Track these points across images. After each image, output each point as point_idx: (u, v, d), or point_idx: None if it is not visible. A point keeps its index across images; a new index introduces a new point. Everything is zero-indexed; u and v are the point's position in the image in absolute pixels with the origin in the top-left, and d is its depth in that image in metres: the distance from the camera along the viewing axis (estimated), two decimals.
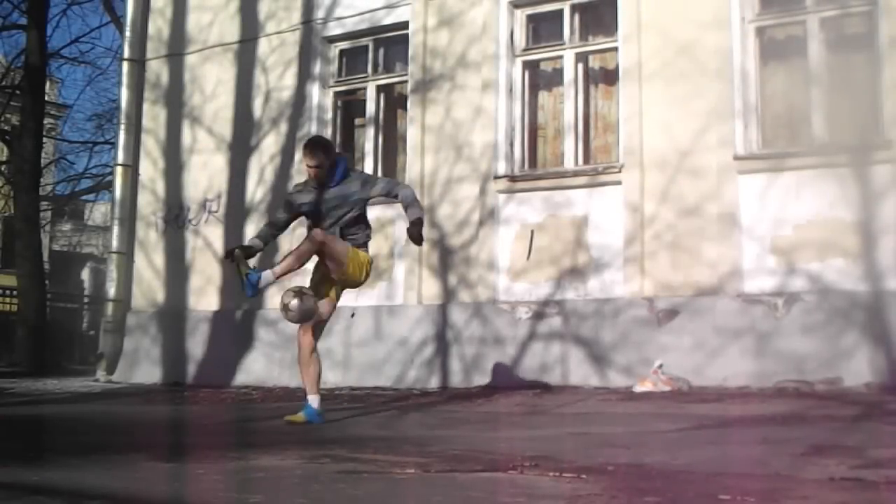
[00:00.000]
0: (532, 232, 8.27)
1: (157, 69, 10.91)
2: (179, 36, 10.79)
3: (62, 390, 9.84)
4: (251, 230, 9.89)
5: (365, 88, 9.67)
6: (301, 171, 9.57)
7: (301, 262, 5.74)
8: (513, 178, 8.49)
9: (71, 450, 4.31)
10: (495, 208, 8.52)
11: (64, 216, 31.58)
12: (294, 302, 5.59)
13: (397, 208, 8.93)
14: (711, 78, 7.62)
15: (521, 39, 8.75)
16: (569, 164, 8.38)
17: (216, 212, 10.20)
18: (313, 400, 5.76)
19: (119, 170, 10.81)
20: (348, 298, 6.85)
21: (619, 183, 7.95)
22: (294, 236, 7.60)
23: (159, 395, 8.91)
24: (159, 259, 10.56)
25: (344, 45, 9.83)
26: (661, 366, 7.15)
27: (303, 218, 6.18)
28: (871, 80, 7.20)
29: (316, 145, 6.00)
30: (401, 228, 8.84)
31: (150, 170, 10.78)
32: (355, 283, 5.98)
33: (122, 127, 10.87)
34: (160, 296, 10.48)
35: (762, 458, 3.73)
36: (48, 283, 19.85)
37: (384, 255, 8.86)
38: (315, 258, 5.88)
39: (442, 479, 3.30)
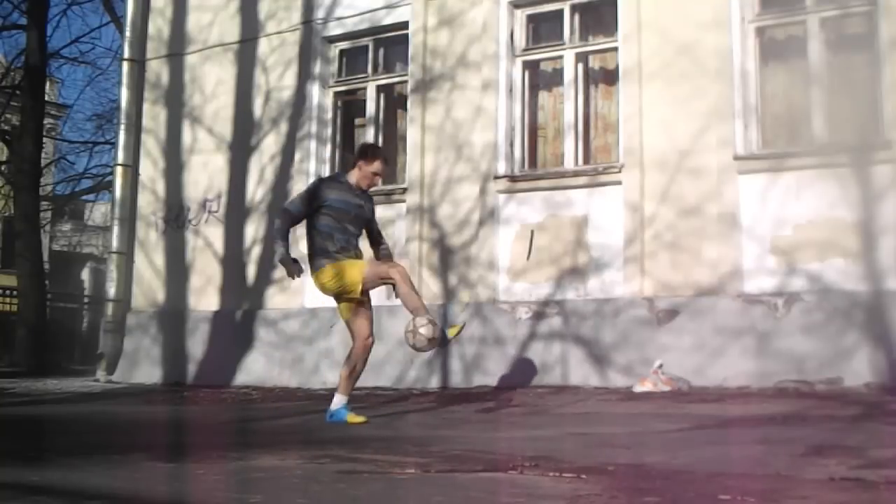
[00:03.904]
0: (532, 232, 8.27)
1: (157, 69, 10.91)
2: (179, 36, 10.79)
3: (62, 390, 9.84)
4: (251, 230, 9.92)
5: (365, 88, 9.67)
6: (301, 171, 9.63)
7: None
8: (513, 178, 8.49)
9: (71, 450, 4.31)
10: (495, 208, 8.52)
11: (64, 216, 31.55)
12: (425, 329, 5.59)
13: (397, 208, 8.98)
14: (711, 78, 7.62)
15: (521, 39, 8.74)
16: (569, 164, 8.38)
17: (216, 212, 10.21)
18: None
19: (119, 170, 10.81)
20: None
21: (619, 183, 7.95)
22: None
23: (159, 395, 8.91)
24: (159, 259, 10.56)
25: (344, 45, 9.83)
26: (661, 366, 7.14)
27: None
28: (871, 81, 7.20)
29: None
30: (401, 229, 8.88)
31: (150, 170, 10.78)
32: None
33: (122, 127, 10.87)
34: (160, 296, 10.48)
35: (762, 458, 3.73)
36: (48, 283, 19.88)
37: None
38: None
39: (442, 479, 3.30)
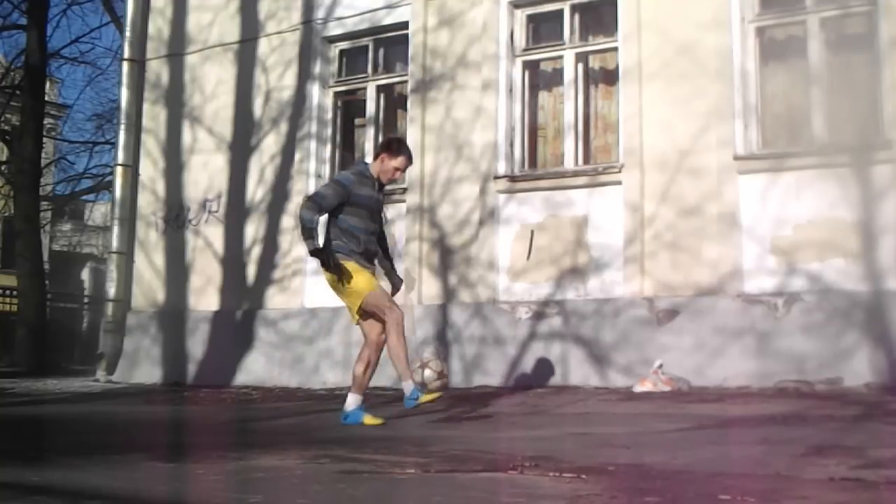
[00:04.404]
0: (532, 232, 8.27)
1: (157, 69, 10.91)
2: (179, 36, 10.79)
3: (62, 390, 9.84)
4: (251, 230, 9.91)
5: (365, 88, 9.67)
6: (301, 171, 9.63)
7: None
8: (513, 178, 8.49)
9: (71, 450, 4.32)
10: (495, 208, 8.52)
11: (64, 216, 31.56)
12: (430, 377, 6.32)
13: (397, 208, 8.97)
14: (711, 78, 7.62)
15: (521, 39, 8.74)
16: (569, 164, 8.38)
17: (216, 212, 10.21)
18: (408, 385, 5.63)
19: (119, 170, 10.81)
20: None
21: (619, 183, 7.94)
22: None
23: (159, 395, 8.91)
24: (159, 259, 10.56)
25: (344, 45, 9.83)
26: (661, 366, 7.14)
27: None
28: (871, 81, 7.20)
29: None
30: (400, 229, 8.87)
31: (150, 170, 10.78)
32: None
33: (122, 127, 10.88)
34: (160, 296, 10.48)
35: (762, 458, 3.73)
36: (48, 283, 19.87)
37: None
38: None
39: (442, 479, 3.30)
